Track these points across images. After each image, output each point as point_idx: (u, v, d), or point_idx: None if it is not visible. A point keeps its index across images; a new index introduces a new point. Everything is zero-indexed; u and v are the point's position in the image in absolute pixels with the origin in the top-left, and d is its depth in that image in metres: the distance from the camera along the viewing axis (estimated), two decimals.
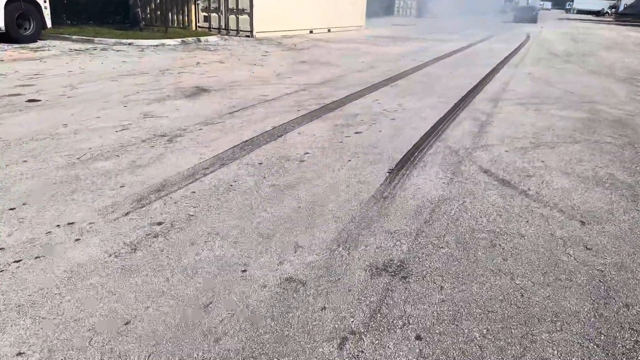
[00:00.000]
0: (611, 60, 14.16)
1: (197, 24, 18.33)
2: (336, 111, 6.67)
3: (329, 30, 22.85)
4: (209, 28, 18.16)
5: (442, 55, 14.06)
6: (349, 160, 4.65)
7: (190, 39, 14.80)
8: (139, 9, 15.11)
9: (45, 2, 12.60)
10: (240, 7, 17.52)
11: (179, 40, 14.24)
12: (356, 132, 5.64)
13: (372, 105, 7.10)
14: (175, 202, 3.54)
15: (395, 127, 5.94)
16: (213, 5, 17.96)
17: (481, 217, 3.51)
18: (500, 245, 3.12)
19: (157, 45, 13.31)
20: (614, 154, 5.18)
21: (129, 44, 13.13)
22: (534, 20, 37.86)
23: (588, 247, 3.14)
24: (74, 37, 13.38)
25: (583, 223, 3.49)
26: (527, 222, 3.46)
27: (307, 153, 4.83)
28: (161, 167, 4.25)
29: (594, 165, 4.79)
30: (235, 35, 17.62)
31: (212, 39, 15.65)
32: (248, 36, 17.52)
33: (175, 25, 18.45)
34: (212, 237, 3.08)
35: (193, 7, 18.14)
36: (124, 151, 4.67)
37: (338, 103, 7.19)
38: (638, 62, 14.23)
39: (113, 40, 13.26)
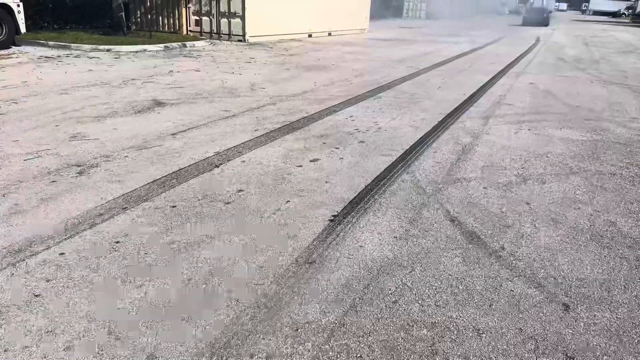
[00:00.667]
0: (626, 67, 13.09)
1: (189, 28, 17.59)
2: (300, 131, 5.82)
3: (329, 34, 21.98)
4: (201, 32, 17.41)
5: (442, 60, 13.12)
6: (287, 202, 3.79)
7: (175, 44, 14.05)
8: (123, 13, 14.41)
9: (18, 6, 11.92)
10: (232, 10, 16.74)
11: (162, 45, 13.51)
12: (312, 160, 4.78)
13: (344, 124, 6.24)
14: (26, 273, 2.72)
15: (361, 153, 5.06)
16: (204, 9, 17.21)
17: (429, 298, 2.63)
18: (444, 353, 2.24)
19: (136, 52, 12.58)
20: (619, 191, 4.24)
21: (107, 50, 12.42)
22: (545, 23, 34.54)
23: (569, 355, 2.25)
24: (50, 43, 12.71)
25: (567, 307, 2.59)
26: (489, 307, 2.57)
27: (241, 191, 3.98)
28: (42, 214, 3.44)
29: (593, 209, 3.87)
30: (227, 40, 16.86)
31: (200, 43, 14.89)
32: (240, 40, 16.74)
33: (166, 29, 17.74)
34: (42, 337, 2.25)
35: (184, 10, 17.40)
36: (16, 188, 3.87)
37: (306, 120, 6.33)
38: None
39: (90, 46, 12.57)
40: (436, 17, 43.85)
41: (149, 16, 18.02)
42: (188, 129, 5.75)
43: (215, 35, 17.18)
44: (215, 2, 16.91)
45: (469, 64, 12.65)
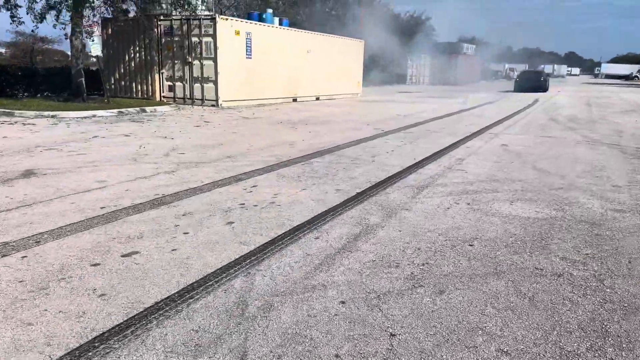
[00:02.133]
0: (625, 127, 11.66)
1: (162, 94, 16.94)
2: (163, 208, 4.46)
3: (317, 98, 21.27)
4: (174, 98, 16.72)
5: (417, 122, 11.90)
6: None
7: (133, 109, 13.23)
8: (83, 79, 13.77)
9: None
10: (205, 75, 16.09)
11: (116, 111, 12.66)
12: (125, 255, 3.37)
13: (233, 197, 4.88)
14: None
15: (211, 240, 3.65)
16: (178, 74, 16.61)
17: None
18: None
19: (83, 117, 11.70)
20: (553, 314, 2.70)
21: (52, 116, 11.58)
22: (541, 88, 29.13)
23: None
24: None
25: None
26: None
27: None
28: None
29: (515, 347, 2.33)
30: (201, 105, 16.09)
31: (163, 108, 14.08)
32: (214, 105, 15.95)
33: (139, 95, 17.13)
34: None
35: (157, 76, 16.84)
36: None
37: (186, 193, 5.00)
38: None
39: (35, 112, 11.76)
40: (440, 83, 43.60)
41: (123, 83, 17.51)
42: (30, 204, 4.46)
43: (189, 100, 16.46)
44: (188, 67, 16.34)
45: (444, 126, 11.37)
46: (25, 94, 16.38)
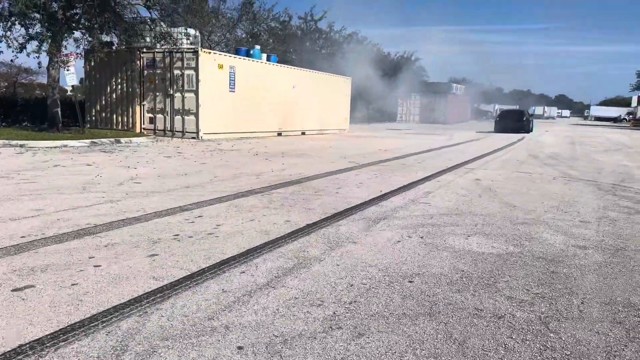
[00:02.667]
0: (605, 164, 11.47)
1: (142, 126, 16.74)
2: (87, 238, 4.09)
3: (303, 133, 21.16)
4: (154, 130, 16.50)
5: (394, 157, 11.67)
6: None
7: (107, 139, 12.97)
8: (58, 109, 13.55)
9: None
10: (186, 107, 15.94)
11: (89, 141, 12.39)
12: (16, 290, 2.98)
13: (170, 228, 4.51)
14: None
15: (118, 275, 3.27)
16: (159, 106, 16.46)
17: None
18: None
19: (52, 147, 11.40)
20: None
21: (20, 145, 11.28)
22: (523, 129, 25.97)
23: None
24: None
25: None
26: None
27: None
28: None
29: None
30: (181, 137, 15.87)
31: (139, 140, 13.83)
32: (194, 137, 15.74)
33: (120, 127, 16.92)
34: None
35: (138, 108, 16.68)
36: None
37: (123, 222, 4.63)
38: (639, 165, 11.49)
39: (2, 141, 11.46)
40: (430, 121, 43.90)
41: (104, 114, 17.33)
42: None
43: (169, 133, 16.25)
44: (169, 99, 16.21)
45: (422, 160, 11.14)
46: (3, 123, 16.15)
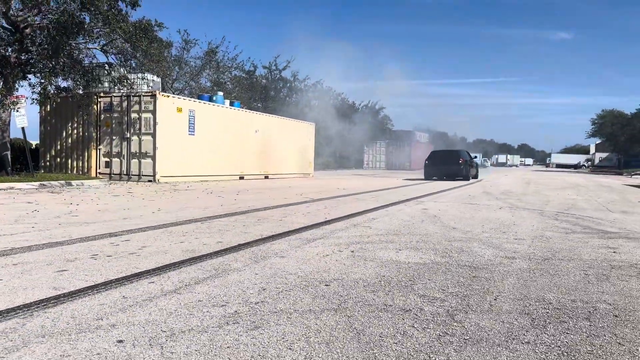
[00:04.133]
0: (554, 197, 11.79)
1: (98, 170, 16.42)
2: None
3: (266, 177, 21.14)
4: (110, 174, 16.21)
5: (352, 193, 11.71)
6: None
7: (57, 182, 12.62)
8: (8, 152, 13.23)
9: None
10: (143, 150, 15.79)
11: (38, 184, 12.03)
12: None
13: (91, 250, 4.31)
14: None
15: (17, 286, 3.08)
16: (115, 150, 16.25)
17: None
18: None
19: None
20: (382, 346, 2.24)
21: None
22: (460, 175, 20.83)
23: None
24: None
25: None
26: None
27: None
28: None
29: None
30: (137, 181, 15.60)
31: (92, 182, 13.52)
32: (151, 181, 15.49)
33: (75, 172, 16.55)
34: None
35: (94, 152, 16.43)
36: None
37: (43, 245, 4.41)
38: (587, 198, 11.84)
39: None
40: (396, 167, 44.71)
41: (59, 159, 16.98)
42: None
43: (125, 176, 15.98)
44: (126, 143, 16.06)
45: (377, 196, 11.21)
46: None
